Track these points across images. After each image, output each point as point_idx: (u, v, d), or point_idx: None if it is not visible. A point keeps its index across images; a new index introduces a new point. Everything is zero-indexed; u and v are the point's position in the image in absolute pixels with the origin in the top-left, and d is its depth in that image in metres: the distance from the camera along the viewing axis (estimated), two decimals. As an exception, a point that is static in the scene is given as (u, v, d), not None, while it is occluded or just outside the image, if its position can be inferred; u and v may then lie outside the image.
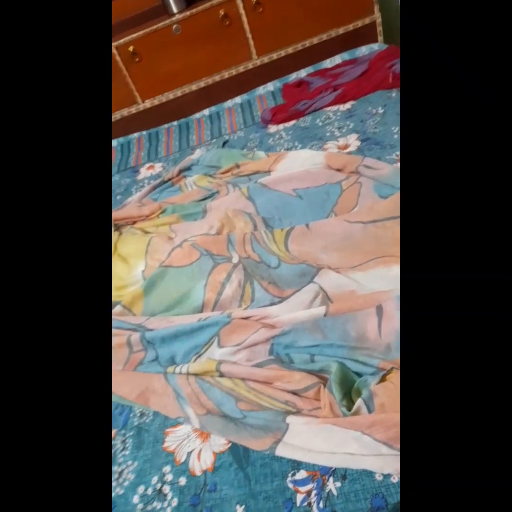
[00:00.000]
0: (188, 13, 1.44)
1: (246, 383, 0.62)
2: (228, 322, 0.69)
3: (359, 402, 0.55)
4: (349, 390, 0.58)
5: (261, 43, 1.49)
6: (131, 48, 1.47)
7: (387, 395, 0.54)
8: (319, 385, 0.59)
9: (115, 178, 1.42)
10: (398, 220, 0.81)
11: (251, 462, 0.56)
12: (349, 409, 0.55)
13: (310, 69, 1.51)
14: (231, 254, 0.83)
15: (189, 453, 0.59)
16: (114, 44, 1.46)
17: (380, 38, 1.52)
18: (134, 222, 1.09)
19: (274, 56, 1.52)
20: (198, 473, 0.57)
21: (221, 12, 1.42)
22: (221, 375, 0.65)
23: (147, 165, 1.42)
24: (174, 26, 1.45)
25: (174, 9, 1.48)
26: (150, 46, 1.48)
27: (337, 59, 1.49)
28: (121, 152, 1.55)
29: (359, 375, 0.60)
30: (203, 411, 0.62)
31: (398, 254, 0.76)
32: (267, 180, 1.04)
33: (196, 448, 0.60)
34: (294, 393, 0.60)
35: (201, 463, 0.58)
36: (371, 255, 0.77)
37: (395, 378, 0.56)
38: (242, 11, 1.43)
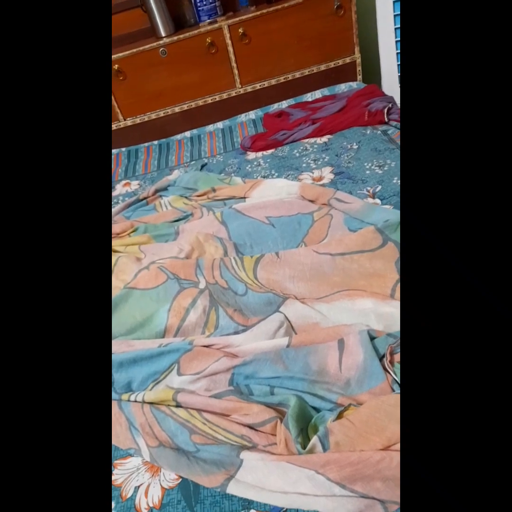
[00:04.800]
0: (175, 38, 1.47)
1: (202, 414, 0.60)
2: (189, 349, 0.68)
3: (314, 439, 0.54)
4: (305, 425, 0.57)
5: (246, 73, 1.54)
6: (116, 66, 1.49)
7: (343, 432, 0.54)
8: (276, 419, 0.58)
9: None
10: (366, 254, 0.82)
11: (201, 500, 0.54)
12: (304, 447, 0.54)
13: (291, 101, 1.56)
14: (198, 279, 0.82)
15: (137, 488, 0.56)
16: (99, 61, 1.47)
17: (359, 77, 1.59)
18: (104, 240, 1.07)
19: (257, 86, 1.57)
20: (144, 510, 0.54)
21: (208, 40, 1.47)
22: (178, 405, 0.63)
23: (124, 182, 1.41)
24: (161, 49, 1.48)
25: (162, 33, 1.51)
26: (136, 66, 1.50)
27: (317, 94, 1.55)
28: (99, 167, 1.53)
29: (317, 410, 0.60)
30: (155, 443, 0.59)
31: (364, 288, 0.77)
32: (241, 206, 1.05)
33: (144, 482, 0.57)
34: (251, 427, 0.58)
35: (148, 499, 0.55)
36: (337, 287, 0.78)
37: (351, 415, 0.56)
38: (228, 41, 1.47)
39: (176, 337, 0.74)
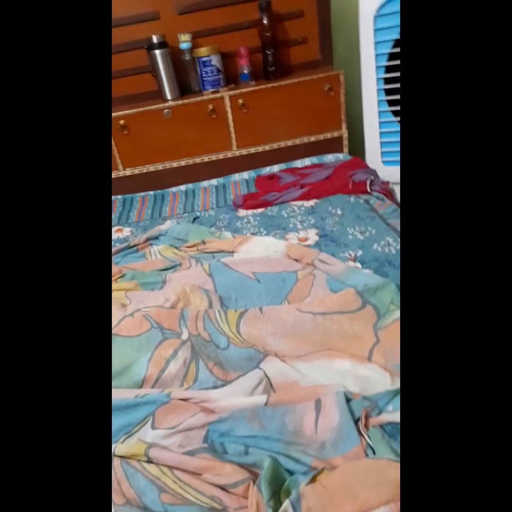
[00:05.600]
0: (180, 102, 1.60)
1: (173, 472, 0.59)
2: (166, 402, 0.68)
3: (286, 504, 0.53)
4: (278, 489, 0.56)
5: (242, 137, 1.66)
6: (122, 122, 1.59)
7: (315, 497, 0.53)
8: (249, 481, 0.57)
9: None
10: (345, 315, 0.85)
11: None
12: (276, 511, 0.53)
13: (282, 166, 1.67)
14: (181, 330, 0.83)
15: (97, 552, 0.53)
16: (106, 116, 1.57)
17: (345, 149, 1.74)
18: (91, 283, 1.08)
19: (252, 150, 1.69)
20: None
21: (210, 107, 1.60)
22: (149, 460, 0.61)
23: (116, 228, 1.45)
24: (165, 110, 1.60)
25: (169, 96, 1.65)
26: (140, 123, 1.61)
27: (306, 161, 1.67)
28: (93, 211, 1.58)
29: (291, 473, 0.59)
30: (122, 500, 0.57)
31: (343, 348, 0.79)
32: (229, 260, 1.09)
33: (106, 546, 0.54)
34: (223, 488, 0.57)
35: None
36: (317, 346, 0.80)
37: (324, 479, 0.56)
38: (228, 109, 1.61)
39: (154, 388, 0.74)
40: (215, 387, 0.72)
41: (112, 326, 0.85)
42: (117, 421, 0.67)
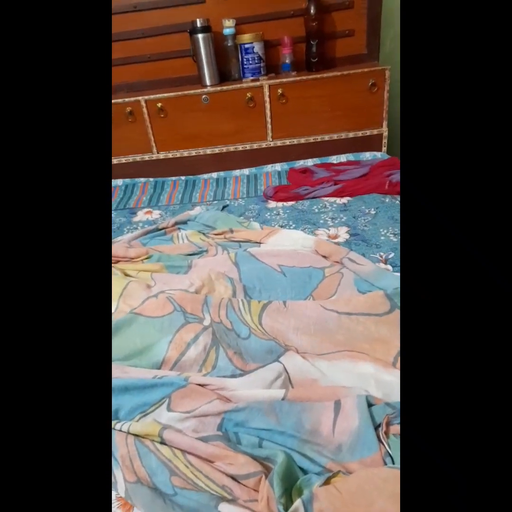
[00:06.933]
0: (219, 88, 1.59)
1: (185, 456, 0.58)
2: (183, 386, 0.67)
3: (297, 503, 0.51)
4: (290, 486, 0.55)
5: (278, 128, 1.64)
6: (159, 105, 1.59)
7: (329, 500, 0.51)
8: (261, 475, 0.56)
9: (112, 214, 1.45)
10: (372, 318, 0.82)
11: (170, 551, 0.51)
12: (287, 508, 0.52)
13: (316, 161, 1.64)
14: (204, 316, 0.82)
15: (105, 526, 0.53)
16: (144, 97, 1.58)
17: (384, 148, 1.68)
18: (117, 262, 1.09)
19: (287, 142, 1.66)
20: (108, 552, 0.51)
21: (249, 95, 1.58)
22: (162, 442, 0.61)
23: (146, 209, 1.46)
24: (203, 96, 1.59)
25: (208, 82, 1.64)
26: (178, 107, 1.61)
27: (342, 158, 1.63)
28: (124, 192, 1.60)
29: (304, 471, 0.58)
30: (133, 478, 0.57)
31: (367, 351, 0.77)
32: (256, 250, 1.08)
33: (114, 521, 0.54)
34: (234, 478, 0.56)
35: (115, 540, 0.52)
36: (340, 346, 0.78)
37: (339, 483, 0.54)
38: (267, 98, 1.58)
39: (173, 370, 0.73)
40: (233, 376, 0.71)
41: (136, 305, 0.85)
42: (134, 400, 0.67)
